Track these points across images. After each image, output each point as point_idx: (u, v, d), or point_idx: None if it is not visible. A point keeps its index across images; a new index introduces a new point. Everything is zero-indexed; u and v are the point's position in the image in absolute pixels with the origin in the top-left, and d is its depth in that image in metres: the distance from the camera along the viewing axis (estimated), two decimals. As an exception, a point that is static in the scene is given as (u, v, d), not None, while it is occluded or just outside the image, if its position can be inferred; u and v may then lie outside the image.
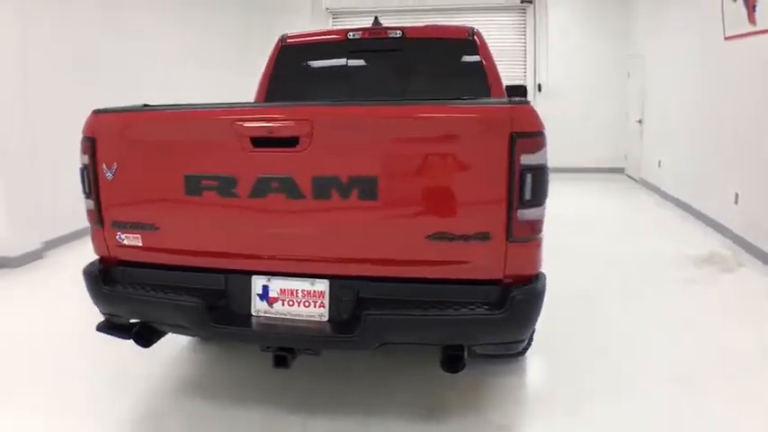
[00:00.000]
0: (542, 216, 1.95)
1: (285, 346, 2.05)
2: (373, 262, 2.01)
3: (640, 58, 8.75)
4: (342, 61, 3.83)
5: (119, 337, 2.25)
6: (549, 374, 2.94)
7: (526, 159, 1.84)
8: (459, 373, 2.72)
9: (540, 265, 2.04)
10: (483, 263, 1.92)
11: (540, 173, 1.88)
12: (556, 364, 2.98)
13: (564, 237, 5.90)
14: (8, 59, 4.61)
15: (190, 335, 2.12)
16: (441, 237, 1.89)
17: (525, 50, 10.87)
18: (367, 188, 1.91)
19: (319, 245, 2.04)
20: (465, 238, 1.88)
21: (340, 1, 10.90)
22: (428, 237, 1.90)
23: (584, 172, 10.15)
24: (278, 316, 2.07)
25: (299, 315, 2.05)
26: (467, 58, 3.70)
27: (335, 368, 2.84)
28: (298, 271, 2.05)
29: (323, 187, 1.93)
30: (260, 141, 1.96)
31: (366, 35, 3.78)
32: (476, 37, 3.70)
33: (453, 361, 1.94)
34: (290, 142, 1.93)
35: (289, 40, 3.94)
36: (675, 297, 3.91)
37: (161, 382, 2.78)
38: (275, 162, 1.97)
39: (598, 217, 6.80)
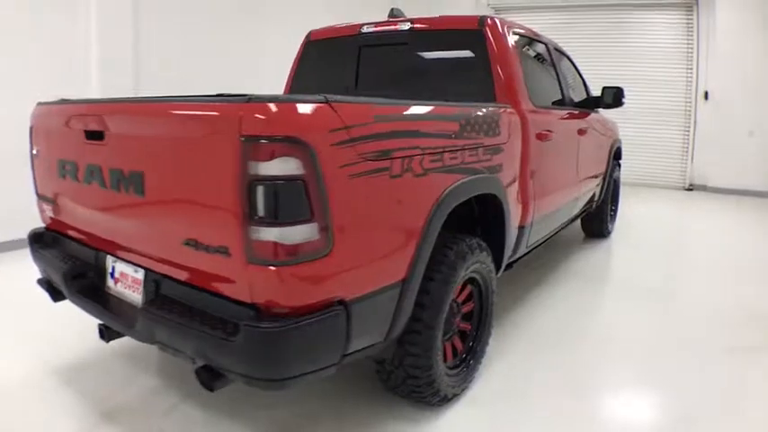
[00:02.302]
0: (305, 239, 1.59)
1: (108, 325, 2.14)
2: (161, 260, 1.95)
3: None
4: (354, 56, 3.73)
5: (43, 289, 2.55)
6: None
7: (257, 168, 1.53)
8: (383, 414, 2.42)
9: (315, 298, 1.68)
10: (231, 280, 1.70)
11: (283, 186, 1.55)
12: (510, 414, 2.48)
13: (658, 269, 4.93)
14: (124, 54, 5.42)
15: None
16: (192, 244, 1.75)
17: (689, 53, 9.46)
18: (137, 184, 1.91)
19: (129, 234, 2.09)
20: (209, 249, 1.69)
21: (501, -3, 10.62)
22: (183, 242, 1.78)
23: (740, 194, 8.55)
24: (117, 296, 2.17)
25: (127, 298, 2.11)
26: (470, 52, 3.29)
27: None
28: (129, 258, 2.12)
29: (115, 179, 2.02)
30: (89, 134, 2.12)
31: (378, 28, 3.64)
32: (487, 28, 3.27)
33: (206, 375, 1.74)
34: (99, 135, 2.06)
35: (312, 36, 3.96)
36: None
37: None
38: (94, 153, 2.13)
39: (717, 249, 5.68)
